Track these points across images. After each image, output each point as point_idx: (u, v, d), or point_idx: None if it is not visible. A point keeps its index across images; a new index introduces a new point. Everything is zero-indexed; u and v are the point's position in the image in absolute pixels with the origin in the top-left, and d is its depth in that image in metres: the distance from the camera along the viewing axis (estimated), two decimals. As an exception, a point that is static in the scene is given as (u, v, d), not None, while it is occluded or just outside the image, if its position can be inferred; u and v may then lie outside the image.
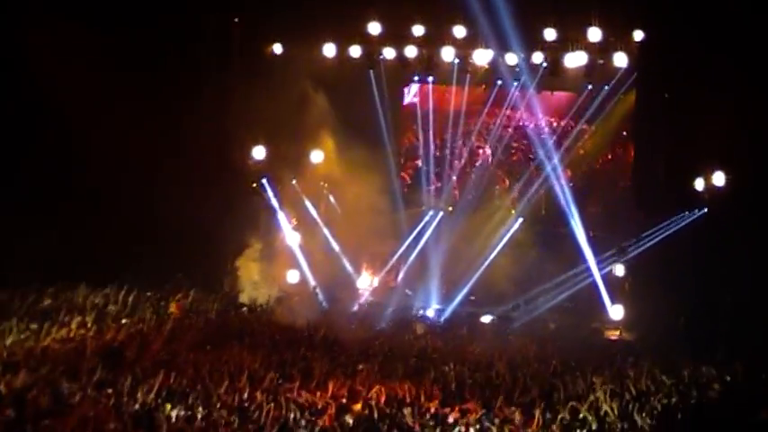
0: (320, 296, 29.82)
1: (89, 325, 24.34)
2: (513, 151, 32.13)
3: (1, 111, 26.15)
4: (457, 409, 17.96)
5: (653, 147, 29.54)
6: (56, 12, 25.33)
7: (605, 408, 18.54)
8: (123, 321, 25.14)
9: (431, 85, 31.92)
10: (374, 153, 29.82)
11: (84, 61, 25.64)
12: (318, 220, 30.92)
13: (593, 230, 29.31)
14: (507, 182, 31.77)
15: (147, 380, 18.94)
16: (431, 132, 31.81)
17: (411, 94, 32.03)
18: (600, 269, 28.71)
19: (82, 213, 27.17)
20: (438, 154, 31.71)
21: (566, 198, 29.56)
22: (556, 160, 30.20)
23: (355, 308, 29.59)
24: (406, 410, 17.80)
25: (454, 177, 31.52)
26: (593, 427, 17.22)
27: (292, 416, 17.05)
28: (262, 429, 16.22)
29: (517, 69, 30.00)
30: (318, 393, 18.94)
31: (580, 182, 31.41)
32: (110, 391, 17.85)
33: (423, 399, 18.78)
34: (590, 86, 30.13)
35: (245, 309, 27.91)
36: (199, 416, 16.85)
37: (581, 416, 17.75)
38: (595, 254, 28.86)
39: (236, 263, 29.06)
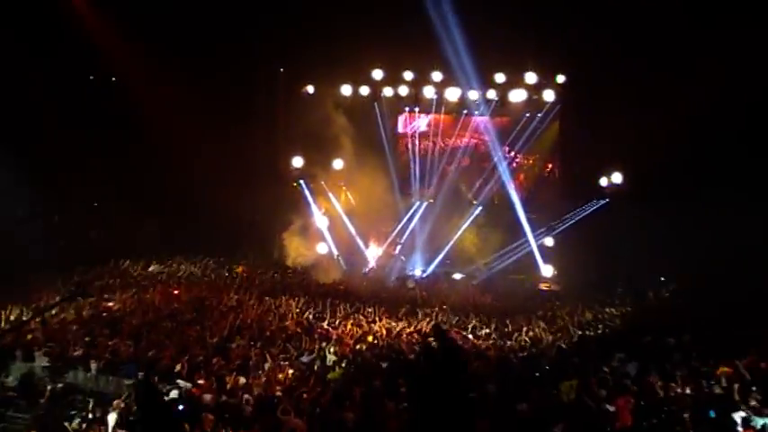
0: (341, 262, 30.02)
1: (182, 282, 24.76)
2: (476, 160, 31.91)
3: (113, 134, 26.07)
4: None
5: (572, 155, 29.77)
6: (157, 61, 25.20)
7: (541, 334, 18.96)
8: (206, 279, 25.49)
9: (417, 114, 31.57)
10: (378, 161, 29.99)
11: (176, 99, 25.65)
12: (339, 209, 30.91)
13: (530, 214, 29.09)
14: (473, 181, 31.56)
15: (222, 320, 19.28)
16: (417, 148, 31.68)
17: (401, 123, 31.87)
18: (536, 241, 28.88)
19: (174, 207, 27.59)
20: (423, 162, 31.54)
21: (512, 192, 29.56)
22: (505, 167, 29.98)
23: (366, 270, 29.85)
24: (402, 340, 18.24)
25: (435, 178, 31.32)
26: (534, 350, 17.56)
27: (324, 344, 17.38)
28: (301, 354, 16.54)
29: (477, 102, 29.87)
30: (340, 329, 19.23)
31: (525, 181, 31.24)
32: (197, 327, 18.23)
33: (413, 333, 19.13)
34: (528, 114, 29.92)
35: (290, 271, 28.14)
36: (258, 344, 17.18)
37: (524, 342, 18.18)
38: (532, 230, 28.94)
39: (282, 238, 28.96)
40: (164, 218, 27.52)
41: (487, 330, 19.78)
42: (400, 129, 32.17)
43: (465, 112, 30.95)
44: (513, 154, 30.75)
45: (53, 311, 18.07)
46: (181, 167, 26.27)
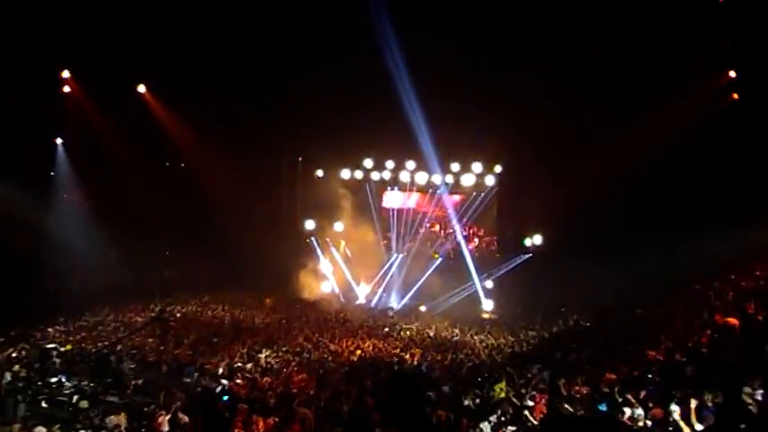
0: (341, 297, 29.99)
1: (225, 308, 24.77)
2: (438, 227, 32.18)
3: (181, 203, 26.14)
4: (409, 353, 18.37)
5: (506, 222, 30.14)
6: (214, 150, 25.50)
7: (482, 351, 19.03)
8: (241, 308, 25.52)
9: (396, 192, 31.85)
10: (368, 225, 30.46)
11: (226, 177, 26.04)
12: (338, 258, 30.90)
13: (476, 264, 29.18)
14: (436, 240, 31.80)
15: (254, 336, 19.37)
16: (395, 215, 31.91)
17: (385, 199, 32.11)
18: (480, 283, 28.98)
19: (222, 254, 27.36)
20: (399, 226, 31.78)
21: (464, 248, 29.74)
22: (459, 230, 30.23)
23: (357, 303, 29.76)
24: (383, 354, 18.33)
25: (408, 238, 31.53)
26: (476, 361, 17.63)
27: (326, 356, 17.48)
28: (309, 362, 16.61)
29: (438, 183, 30.21)
30: (340, 345, 19.31)
31: (473, 240, 31.49)
32: (236, 341, 18.34)
33: (391, 348, 19.21)
34: (475, 193, 30.32)
35: (303, 302, 28.02)
36: (280, 355, 17.28)
37: (470, 356, 18.24)
38: (477, 275, 28.98)
39: (299, 278, 29.02)
40: (213, 261, 27.52)
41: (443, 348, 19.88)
42: (384, 204, 32.26)
43: (430, 190, 31.28)
44: (464, 221, 30.92)
45: (142, 330, 18.20)
46: (228, 226, 26.32)
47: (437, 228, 32.15)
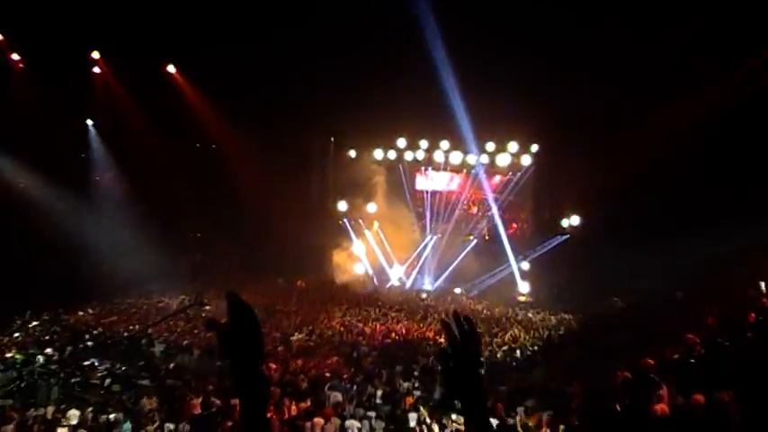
0: (374, 279, 30.06)
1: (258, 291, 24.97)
2: (476, 209, 31.94)
3: (213, 186, 26.43)
4: (444, 336, 18.31)
5: (542, 203, 29.89)
6: (245, 133, 25.66)
7: (520, 334, 18.92)
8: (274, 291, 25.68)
9: (430, 172, 31.63)
10: (401, 206, 30.32)
11: (258, 160, 26.12)
12: (371, 240, 30.81)
13: (512, 245, 28.97)
14: (471, 221, 31.62)
15: (286, 319, 19.52)
16: (430, 197, 31.75)
17: (425, 181, 31.88)
18: (516, 264, 28.80)
19: (253, 237, 27.72)
20: (434, 207, 31.63)
21: (501, 229, 29.55)
22: (495, 211, 29.97)
23: (389, 285, 29.76)
24: (416, 336, 18.31)
25: (443, 219, 31.39)
26: (512, 345, 17.57)
27: (359, 339, 17.55)
28: (341, 345, 16.69)
29: (473, 163, 29.96)
30: (372, 327, 19.36)
31: (509, 221, 31.17)
32: (268, 324, 18.50)
33: (426, 332, 19.18)
34: (510, 173, 30.00)
35: (336, 284, 28.22)
36: (312, 338, 17.38)
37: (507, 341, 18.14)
38: (514, 257, 28.76)
39: (332, 260, 29.08)
40: (245, 244, 27.70)
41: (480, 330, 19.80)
42: (424, 185, 32.00)
43: (465, 170, 31.06)
44: (501, 202, 30.57)
45: (179, 314, 18.50)
46: (259, 208, 26.40)
47: (475, 210, 31.99)
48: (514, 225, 31.44)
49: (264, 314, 20.36)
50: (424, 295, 27.38)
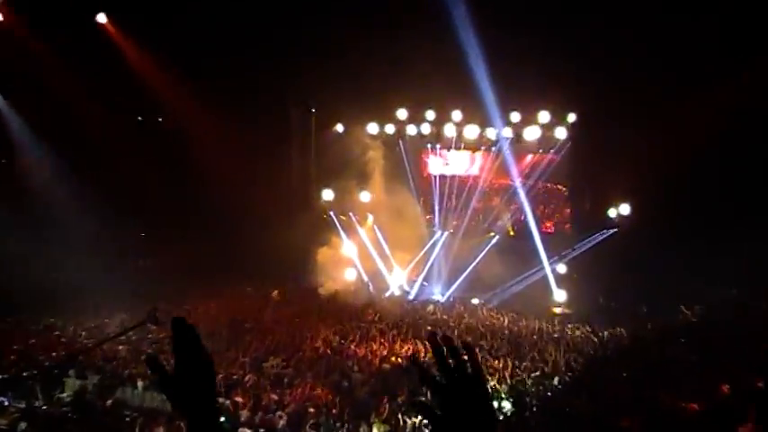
0: (370, 286, 29.96)
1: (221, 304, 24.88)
2: (498, 199, 31.92)
3: (162, 169, 26.30)
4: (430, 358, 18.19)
5: (582, 188, 29.76)
6: (201, 104, 25.69)
7: (556, 356, 18.77)
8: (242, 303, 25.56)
9: (444, 152, 31.79)
10: (402, 194, 30.04)
11: (219, 137, 26.01)
12: (365, 238, 30.91)
13: (544, 242, 28.95)
14: (491, 212, 31.62)
15: (257, 340, 19.40)
16: (439, 182, 31.73)
17: (431, 166, 31.94)
18: (550, 267, 28.77)
19: (213, 236, 27.75)
20: (444, 195, 31.61)
21: (531, 221, 29.55)
22: (522, 199, 29.92)
23: (387, 294, 29.75)
24: (424, 361, 18.07)
25: (455, 211, 31.38)
26: (546, 369, 17.42)
27: (351, 364, 17.38)
28: (328, 372, 16.55)
29: (494, 139, 29.89)
30: (367, 349, 19.23)
31: (540, 213, 31.13)
32: (234, 347, 18.38)
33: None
34: (541, 151, 29.90)
35: (320, 294, 27.96)
36: (291, 363, 17.25)
37: (538, 363, 17.97)
38: (547, 258, 28.73)
39: (315, 264, 28.87)
40: (206, 244, 27.56)
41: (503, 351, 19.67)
42: (431, 170, 32.27)
43: (483, 148, 30.94)
44: (528, 188, 30.47)
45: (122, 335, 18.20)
46: (224, 199, 26.37)
47: (497, 200, 31.96)
48: (548, 219, 31.45)
49: (230, 333, 20.25)
50: (431, 308, 27.18)
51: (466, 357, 2.10)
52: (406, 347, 19.60)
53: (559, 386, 15.70)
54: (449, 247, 30.34)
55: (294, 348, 18.83)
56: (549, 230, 31.00)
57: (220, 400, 13.37)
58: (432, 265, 30.39)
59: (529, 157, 30.77)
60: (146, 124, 28.49)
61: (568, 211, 31.38)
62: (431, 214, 31.77)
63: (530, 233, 29.24)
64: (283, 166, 30.60)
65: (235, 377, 15.74)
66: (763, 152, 20.87)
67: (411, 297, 29.59)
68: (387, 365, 17.62)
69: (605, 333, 22.02)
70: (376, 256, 30.64)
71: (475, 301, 28.30)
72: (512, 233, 30.84)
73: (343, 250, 30.43)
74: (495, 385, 15.35)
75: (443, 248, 30.44)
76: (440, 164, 32.05)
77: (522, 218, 30.38)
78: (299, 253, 28.91)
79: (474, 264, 29.26)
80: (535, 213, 30.10)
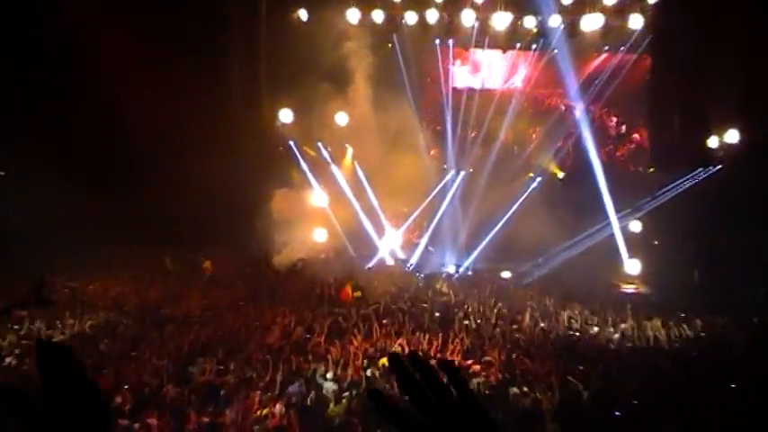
0: (350, 252, 30.14)
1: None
2: (536, 116, 31.79)
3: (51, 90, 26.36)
4: (481, 363, 18.15)
5: (667, 107, 29.47)
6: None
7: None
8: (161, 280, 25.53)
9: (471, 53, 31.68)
10: (398, 115, 29.77)
11: (121, 31, 25.73)
12: (343, 181, 30.97)
13: (613, 188, 28.79)
14: (532, 144, 31.46)
15: (181, 335, 19.33)
16: (450, 95, 31.52)
17: (458, 77, 31.85)
18: (619, 225, 28.74)
19: (117, 180, 27.61)
20: (460, 116, 31.37)
21: (594, 158, 29.37)
22: (579, 124, 29.80)
23: (371, 264, 29.94)
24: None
25: (478, 140, 31.18)
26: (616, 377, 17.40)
27: (322, 368, 17.31)
28: (289, 382, 16.45)
29: (536, 33, 29.80)
30: (344, 347, 19.13)
31: (604, 146, 30.96)
32: (143, 346, 18.32)
33: (446, 352, 18.95)
34: (607, 48, 29.72)
35: (276, 267, 28.03)
36: (231, 368, 17.16)
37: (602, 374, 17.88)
38: (614, 211, 28.67)
39: (267, 222, 28.78)
40: (106, 192, 27.29)
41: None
42: (457, 82, 32.18)
43: (518, 46, 30.81)
44: (586, 106, 30.35)
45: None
46: (125, 125, 26.15)
47: (540, 127, 31.92)
48: (616, 152, 31.47)
49: (138, 325, 20.18)
50: (441, 285, 27.17)
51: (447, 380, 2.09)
52: (400, 340, 19.53)
53: (636, 405, 15.68)
54: (467, 196, 30.35)
55: (235, 346, 18.79)
56: (619, 169, 30.81)
57: (124, 423, 13.35)
58: (441, 221, 30.49)
59: (593, 63, 30.67)
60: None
61: (647, 140, 31.20)
62: (440, 146, 31.73)
63: (588, 174, 29.12)
64: (221, 73, 30.19)
65: (146, 390, 15.67)
66: None
67: (410, 269, 29.67)
68: (374, 371, 17.59)
69: (701, 325, 21.95)
70: (358, 208, 30.67)
71: (505, 274, 28.43)
72: (560, 175, 30.73)
73: (310, 200, 30.44)
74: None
75: (459, 197, 30.51)
76: (463, 72, 31.87)
77: (577, 151, 30.21)
78: (244, 205, 28.84)
79: (504, 220, 29.39)
80: (597, 144, 29.89)
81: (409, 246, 30.59)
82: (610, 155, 30.75)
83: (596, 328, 21.94)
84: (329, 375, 16.91)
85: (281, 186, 29.48)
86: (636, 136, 31.70)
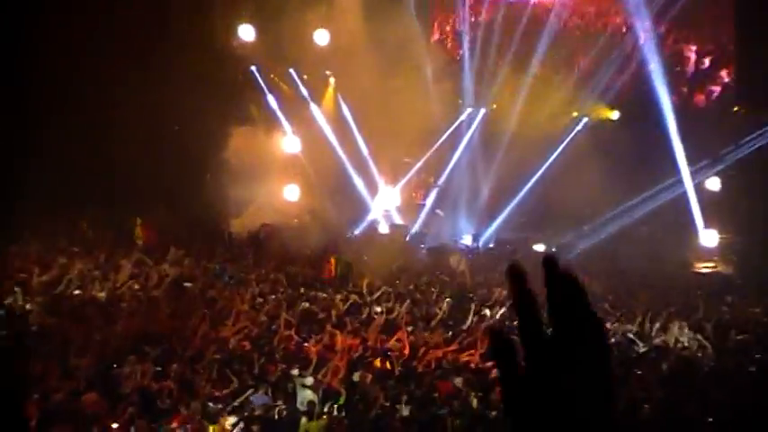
0: (332, 215, 30.00)
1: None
2: (582, 39, 31.68)
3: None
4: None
5: (760, 32, 29.40)
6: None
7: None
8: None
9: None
10: (397, 31, 29.55)
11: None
12: (320, 119, 30.91)
13: (683, 136, 28.65)
14: (577, 75, 31.33)
15: (105, 326, 19.25)
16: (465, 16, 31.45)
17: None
18: (692, 183, 28.61)
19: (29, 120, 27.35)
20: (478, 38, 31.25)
21: (662, 94, 29.14)
22: (642, 51, 29.64)
23: (355, 232, 30.19)
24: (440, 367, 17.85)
25: (503, 68, 30.99)
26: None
27: (295, 371, 17.16)
28: (251, 389, 16.34)
29: None
30: (324, 342, 18.99)
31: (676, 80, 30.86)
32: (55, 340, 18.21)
33: (458, 352, 18.77)
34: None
35: (232, 235, 28.09)
36: (171, 371, 17.02)
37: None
38: (687, 164, 28.47)
39: (221, 176, 28.72)
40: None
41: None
42: None
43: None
44: (655, 28, 30.24)
45: None
46: (49, 49, 26.10)
47: (584, 54, 31.85)
48: (690, 86, 31.44)
49: (46, 313, 20.05)
50: (457, 261, 27.03)
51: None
52: (398, 336, 19.39)
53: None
54: (489, 142, 30.29)
55: (178, 342, 18.71)
56: (693, 106, 30.71)
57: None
58: (454, 175, 30.58)
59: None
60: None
61: (731, 71, 31.10)
62: (454, 75, 31.57)
63: (652, 115, 29.17)
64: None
65: (58, 398, 15.55)
66: None
67: (412, 239, 29.61)
68: (363, 376, 17.48)
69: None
70: (343, 156, 30.75)
71: (539, 247, 28.41)
72: (614, 116, 30.64)
73: (278, 145, 30.42)
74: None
75: (478, 144, 30.50)
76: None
77: (638, 86, 30.11)
78: (189, 151, 28.86)
79: (538, 175, 29.53)
80: (666, 75, 29.79)
81: (411, 208, 30.59)
82: (683, 97, 30.29)
83: (662, 338, 21.80)
84: (305, 381, 16.81)
85: (239, 126, 29.38)
86: (723, 73, 31.36)
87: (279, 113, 30.42)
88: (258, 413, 15.19)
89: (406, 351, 18.61)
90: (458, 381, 16.66)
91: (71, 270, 22.94)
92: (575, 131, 29.61)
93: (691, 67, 31.35)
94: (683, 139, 28.37)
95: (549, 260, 1.92)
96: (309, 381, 16.81)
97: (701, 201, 28.51)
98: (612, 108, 30.83)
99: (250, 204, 28.47)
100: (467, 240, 29.05)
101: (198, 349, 18.19)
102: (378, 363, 18.10)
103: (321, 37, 30.12)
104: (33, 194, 26.85)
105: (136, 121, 26.16)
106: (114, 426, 14.30)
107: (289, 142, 30.23)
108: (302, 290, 22.70)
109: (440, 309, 21.85)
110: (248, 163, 28.70)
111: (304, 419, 15.10)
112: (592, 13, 31.29)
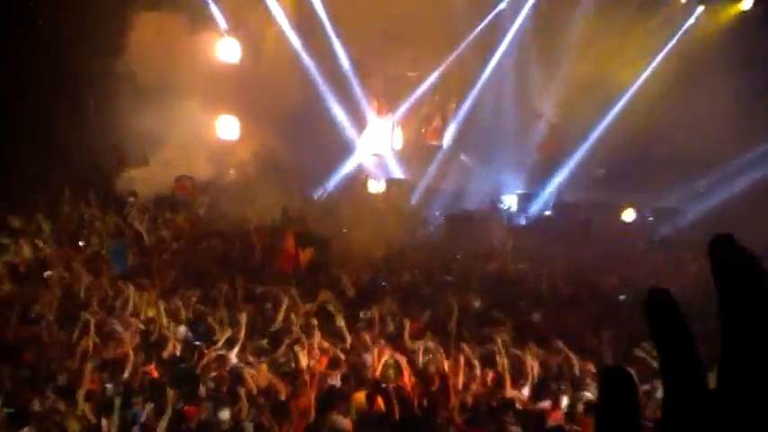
0: (292, 164, 28.72)
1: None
2: None
3: None
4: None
5: None
6: None
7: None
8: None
9: None
10: None
11: None
12: (280, 15, 29.40)
13: None
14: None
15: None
16: None
17: None
18: None
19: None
20: None
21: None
22: None
23: (322, 191, 29.31)
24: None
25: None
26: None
27: (226, 412, 15.59)
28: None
29: None
30: (279, 365, 17.31)
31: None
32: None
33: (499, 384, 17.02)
34: None
35: (130, 195, 26.79)
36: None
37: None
38: None
39: (113, 99, 27.56)
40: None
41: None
42: None
43: None
44: None
45: None
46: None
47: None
48: None
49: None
50: (497, 232, 25.42)
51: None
52: (389, 355, 17.73)
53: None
54: (545, 45, 29.21)
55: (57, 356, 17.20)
56: None
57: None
58: (485, 100, 29.35)
59: None
60: None
61: None
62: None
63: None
64: None
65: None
66: None
67: (420, 201, 28.50)
68: (334, 420, 15.83)
69: None
70: (312, 68, 29.62)
71: (628, 215, 27.68)
72: (743, 5, 28.94)
73: (209, 52, 29.25)
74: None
75: (528, 48, 29.21)
76: None
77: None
78: (62, 59, 27.88)
79: (622, 103, 28.32)
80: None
81: (419, 152, 29.19)
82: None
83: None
84: (255, 409, 15.17)
85: (143, 18, 28.38)
86: None
87: (210, 2, 28.43)
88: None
89: (411, 381, 16.85)
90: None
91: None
92: (683, 29, 27.16)
93: None
94: None
95: (722, 244, 1.79)
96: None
97: None
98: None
99: (160, 146, 26.86)
100: (509, 202, 27.06)
101: (75, 375, 16.70)
102: (363, 398, 16.30)
103: None
104: None
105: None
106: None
107: (225, 47, 29.13)
108: (241, 284, 21.02)
109: (462, 314, 20.16)
110: (158, 78, 27.41)
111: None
112: None
